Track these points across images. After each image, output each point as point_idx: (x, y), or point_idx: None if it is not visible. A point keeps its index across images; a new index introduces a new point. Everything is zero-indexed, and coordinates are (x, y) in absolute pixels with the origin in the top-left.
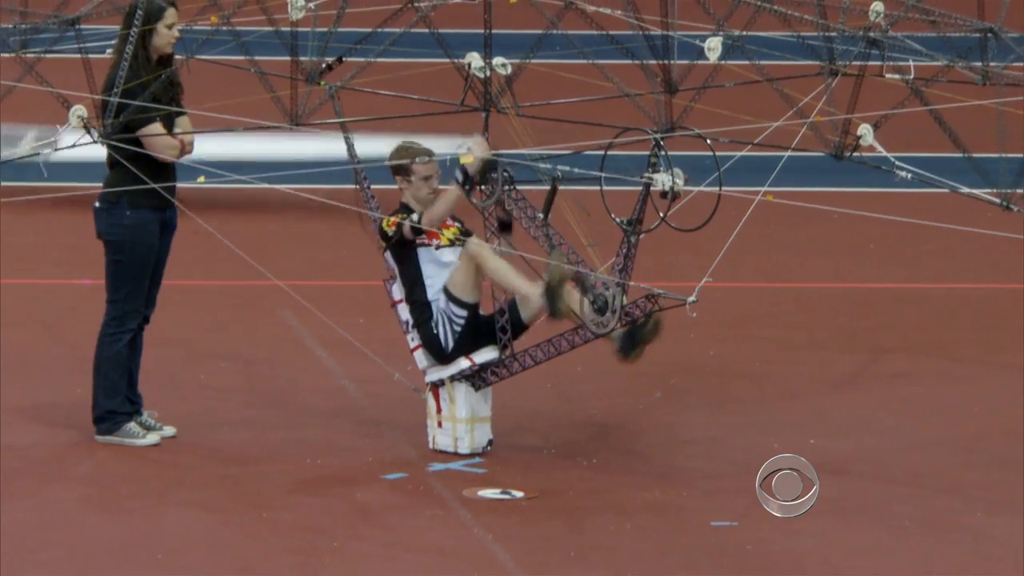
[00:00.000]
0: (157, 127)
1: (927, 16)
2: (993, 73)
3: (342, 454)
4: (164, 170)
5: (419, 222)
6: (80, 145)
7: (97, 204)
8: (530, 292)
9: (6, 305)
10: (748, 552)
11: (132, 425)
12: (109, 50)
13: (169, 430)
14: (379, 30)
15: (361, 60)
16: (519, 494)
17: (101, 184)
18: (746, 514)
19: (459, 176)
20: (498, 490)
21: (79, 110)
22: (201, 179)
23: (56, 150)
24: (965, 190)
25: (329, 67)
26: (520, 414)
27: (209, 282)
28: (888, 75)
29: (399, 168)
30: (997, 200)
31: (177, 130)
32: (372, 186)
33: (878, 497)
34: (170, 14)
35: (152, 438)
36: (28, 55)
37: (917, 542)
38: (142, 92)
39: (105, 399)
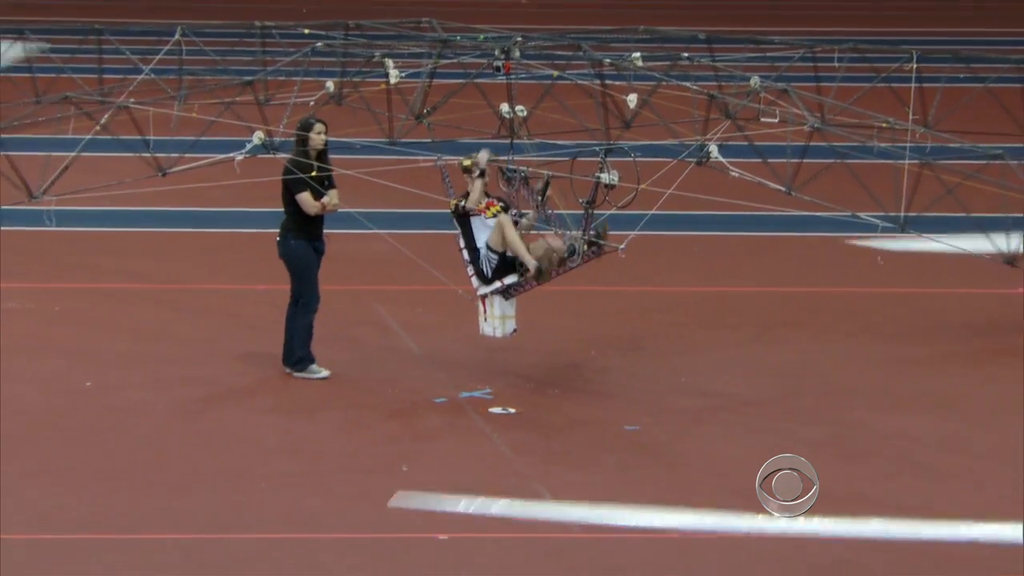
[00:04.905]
0: (307, 194)
1: (774, 82)
2: (790, 115)
3: (412, 385)
4: (314, 218)
5: (465, 207)
6: (256, 155)
7: (277, 238)
8: (528, 263)
9: (232, 305)
10: (647, 444)
11: (313, 365)
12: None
13: (325, 371)
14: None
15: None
16: (513, 410)
17: (279, 227)
18: (646, 422)
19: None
20: (500, 408)
21: (259, 133)
22: (313, 172)
23: (244, 156)
24: (770, 185)
25: (429, 112)
26: (514, 364)
27: (337, 286)
28: (764, 118)
29: (465, 169)
30: (783, 188)
31: (325, 198)
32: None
33: (732, 411)
34: (318, 127)
35: (325, 373)
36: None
37: (757, 438)
38: (307, 172)
39: (300, 349)
